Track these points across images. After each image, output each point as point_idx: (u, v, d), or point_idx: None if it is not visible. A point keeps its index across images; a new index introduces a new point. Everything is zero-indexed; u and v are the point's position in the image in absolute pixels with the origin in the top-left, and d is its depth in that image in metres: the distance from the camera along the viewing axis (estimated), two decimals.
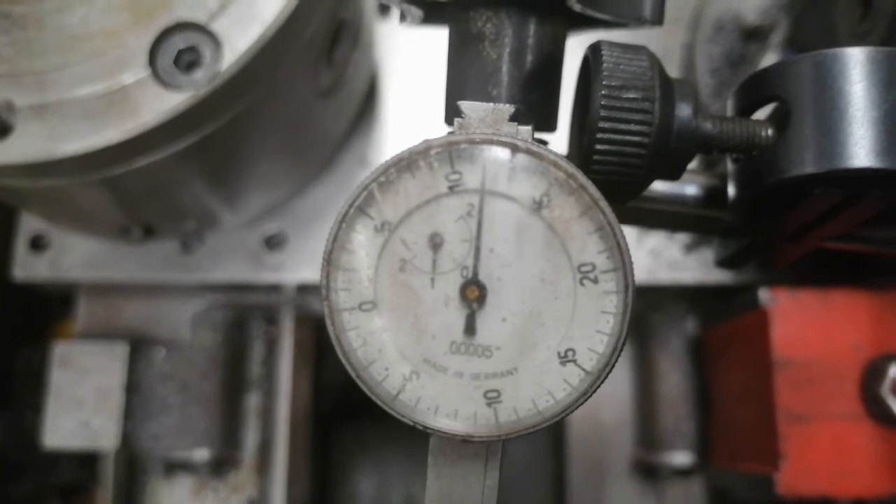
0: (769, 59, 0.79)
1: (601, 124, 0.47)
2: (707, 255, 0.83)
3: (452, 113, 0.47)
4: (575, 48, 0.53)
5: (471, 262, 0.43)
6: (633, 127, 0.47)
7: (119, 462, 0.86)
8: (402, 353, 0.43)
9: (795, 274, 0.74)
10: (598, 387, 0.43)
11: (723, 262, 0.66)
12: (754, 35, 0.82)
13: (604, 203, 0.43)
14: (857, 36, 0.66)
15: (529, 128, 0.45)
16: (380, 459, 0.98)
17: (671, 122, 0.49)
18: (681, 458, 0.86)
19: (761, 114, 0.54)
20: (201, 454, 0.83)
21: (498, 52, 0.49)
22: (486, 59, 0.49)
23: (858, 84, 0.48)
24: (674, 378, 0.87)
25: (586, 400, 0.43)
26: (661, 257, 0.84)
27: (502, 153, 0.43)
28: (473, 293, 0.43)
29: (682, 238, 0.84)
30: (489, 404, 0.43)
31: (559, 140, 0.53)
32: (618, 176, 0.48)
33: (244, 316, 0.90)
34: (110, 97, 0.61)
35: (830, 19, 0.71)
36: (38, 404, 0.84)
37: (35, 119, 0.61)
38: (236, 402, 0.88)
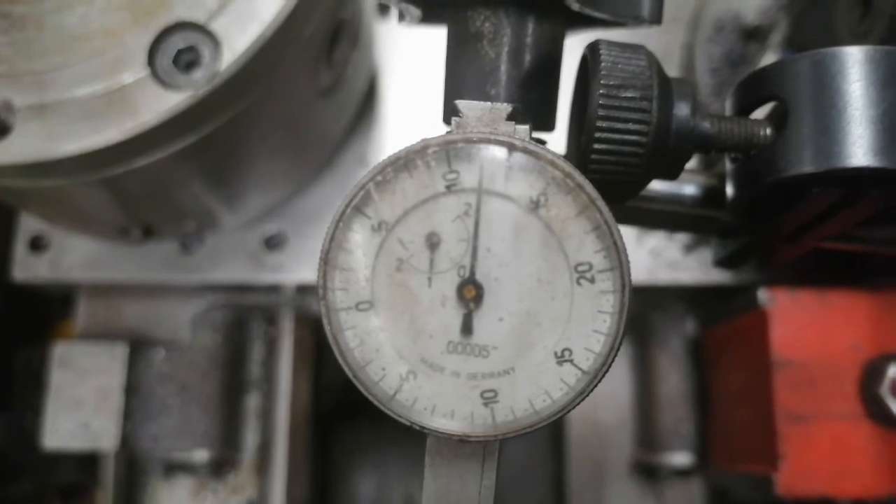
0: (769, 58, 0.79)
1: (599, 123, 0.47)
2: (707, 255, 0.83)
3: (450, 112, 0.47)
4: (573, 47, 0.53)
5: (468, 262, 0.43)
6: (631, 126, 0.47)
7: (119, 463, 0.86)
8: (399, 352, 0.43)
9: (794, 274, 0.74)
10: (595, 386, 0.43)
11: (721, 262, 0.65)
12: (754, 35, 0.82)
13: (601, 202, 0.42)
14: (857, 35, 0.66)
15: (527, 127, 0.45)
16: (379, 460, 0.98)
17: (669, 122, 0.49)
18: (680, 458, 0.85)
19: (760, 113, 0.54)
20: (201, 455, 0.83)
21: (496, 52, 0.49)
22: (485, 59, 0.49)
23: (857, 83, 0.48)
24: (673, 378, 0.87)
25: (583, 400, 0.43)
26: (661, 257, 0.84)
27: (499, 152, 0.43)
28: (470, 293, 0.43)
29: (682, 238, 0.84)
30: (486, 404, 0.43)
31: (558, 139, 0.53)
32: (616, 175, 0.48)
33: (244, 316, 0.90)
34: (109, 97, 0.61)
35: (830, 19, 0.71)
36: (38, 405, 0.84)
37: (34, 119, 0.61)
38: (236, 402, 0.88)
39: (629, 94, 0.47)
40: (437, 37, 0.53)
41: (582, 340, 0.42)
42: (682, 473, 0.87)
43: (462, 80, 0.50)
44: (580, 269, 0.42)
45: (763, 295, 0.71)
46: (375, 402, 0.43)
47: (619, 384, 0.91)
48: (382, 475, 0.98)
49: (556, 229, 0.42)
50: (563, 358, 0.43)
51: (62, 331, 0.97)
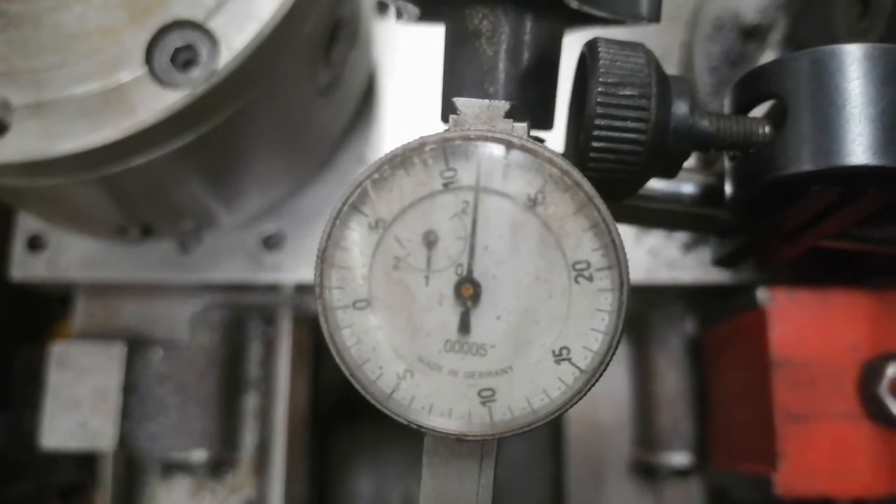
0: (768, 57, 0.79)
1: (597, 121, 0.47)
2: (705, 254, 0.83)
3: (448, 110, 0.47)
4: (572, 45, 0.52)
5: (465, 260, 0.43)
6: (629, 124, 0.47)
7: (117, 463, 0.85)
8: (397, 351, 0.43)
9: (793, 273, 0.74)
10: (593, 385, 0.43)
11: (720, 261, 0.65)
12: (753, 33, 0.81)
13: (599, 200, 0.42)
14: (856, 34, 0.66)
15: (525, 125, 0.45)
16: (378, 459, 0.98)
17: (668, 120, 0.48)
18: (679, 458, 0.85)
19: (759, 111, 0.53)
20: (199, 455, 0.83)
21: (494, 50, 0.49)
22: (483, 57, 0.49)
23: (856, 81, 0.48)
24: (672, 378, 0.87)
25: (581, 398, 0.43)
26: (660, 256, 0.84)
27: (497, 150, 0.43)
28: (468, 291, 0.43)
29: (681, 237, 0.84)
30: (484, 403, 0.43)
31: (556, 137, 0.53)
32: (614, 173, 0.48)
33: (242, 316, 0.90)
34: (107, 95, 0.61)
35: (829, 17, 0.71)
36: (37, 405, 0.84)
37: (31, 117, 0.61)
38: (234, 402, 0.87)
39: (628, 92, 0.47)
40: (435, 35, 0.53)
41: (580, 339, 0.42)
42: (681, 473, 0.87)
43: (460, 77, 0.50)
44: (578, 267, 0.42)
45: (762, 294, 0.71)
46: (372, 401, 0.43)
47: (617, 384, 0.91)
48: (381, 475, 0.97)
49: (553, 227, 0.42)
50: (560, 356, 0.42)
51: (62, 330, 0.97)
